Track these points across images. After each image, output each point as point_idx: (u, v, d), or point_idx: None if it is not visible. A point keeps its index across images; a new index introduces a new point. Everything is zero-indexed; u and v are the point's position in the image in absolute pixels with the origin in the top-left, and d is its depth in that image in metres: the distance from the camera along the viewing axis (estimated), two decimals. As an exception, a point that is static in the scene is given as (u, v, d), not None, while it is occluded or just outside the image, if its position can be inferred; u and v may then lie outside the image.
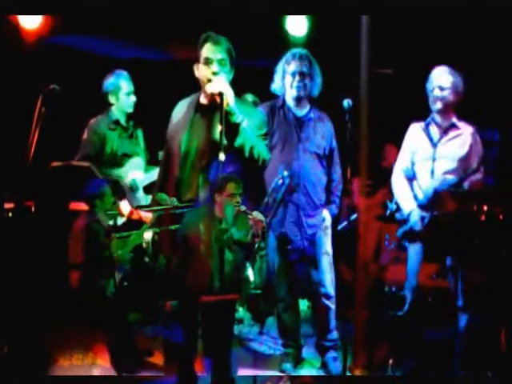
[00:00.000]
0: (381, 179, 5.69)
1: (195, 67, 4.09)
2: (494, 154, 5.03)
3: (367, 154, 4.52)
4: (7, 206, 4.85)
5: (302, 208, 4.86)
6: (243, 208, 3.87)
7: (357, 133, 4.44)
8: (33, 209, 5.09)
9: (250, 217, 3.92)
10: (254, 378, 4.46)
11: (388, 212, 5.56)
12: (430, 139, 4.79)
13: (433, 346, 4.75)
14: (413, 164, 4.85)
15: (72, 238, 5.00)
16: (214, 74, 3.96)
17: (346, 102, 4.55)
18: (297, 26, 5.72)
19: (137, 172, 5.36)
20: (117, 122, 5.36)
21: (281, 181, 4.57)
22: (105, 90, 5.37)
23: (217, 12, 4.99)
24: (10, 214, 4.88)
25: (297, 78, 4.84)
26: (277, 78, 4.95)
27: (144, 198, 5.36)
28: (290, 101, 4.95)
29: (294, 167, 4.81)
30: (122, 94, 5.35)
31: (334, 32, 5.63)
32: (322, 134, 4.94)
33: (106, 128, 5.32)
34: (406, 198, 4.80)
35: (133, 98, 5.40)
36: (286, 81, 4.90)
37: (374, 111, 4.54)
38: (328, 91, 4.95)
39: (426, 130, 4.82)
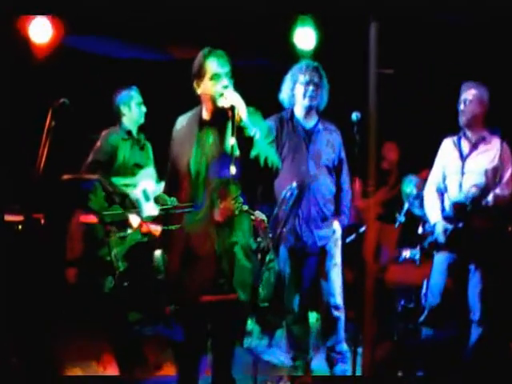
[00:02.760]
0: (381, 179, 5.71)
1: (195, 84, 3.97)
2: None
3: (375, 162, 4.51)
4: (17, 218, 4.88)
5: (312, 219, 4.87)
6: (245, 207, 3.86)
7: (365, 138, 4.43)
8: (42, 221, 5.12)
9: (253, 217, 3.92)
10: (255, 378, 4.44)
11: (397, 224, 5.60)
12: (460, 153, 4.86)
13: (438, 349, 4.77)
14: (444, 178, 4.93)
15: (72, 236, 5.05)
16: (224, 87, 3.91)
17: (355, 115, 4.57)
18: (305, 39, 5.75)
19: (148, 182, 5.38)
20: (129, 133, 5.40)
21: (289, 192, 4.58)
22: (117, 103, 5.40)
23: (219, 12, 5.00)
24: (20, 227, 4.90)
25: (310, 87, 4.86)
26: (286, 88, 4.96)
27: (155, 208, 5.37)
28: (298, 112, 4.96)
29: (304, 179, 4.82)
30: (133, 104, 5.38)
31: (342, 44, 5.65)
32: (331, 145, 4.96)
33: (119, 138, 5.36)
34: (433, 210, 4.90)
35: (143, 109, 5.44)
36: (296, 91, 4.91)
37: (382, 122, 4.55)
38: (337, 104, 4.96)
39: (458, 144, 4.89)
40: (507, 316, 4.81)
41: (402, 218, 5.60)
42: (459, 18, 5.22)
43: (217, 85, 3.88)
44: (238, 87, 3.91)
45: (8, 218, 4.88)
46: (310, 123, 4.97)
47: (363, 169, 4.58)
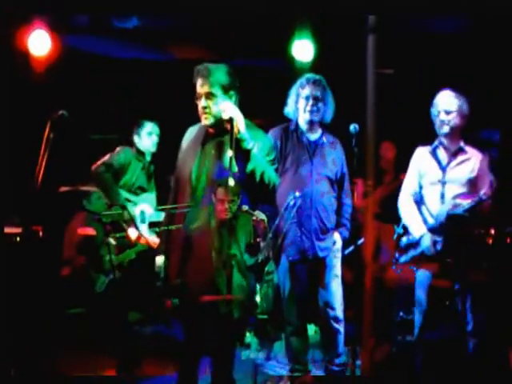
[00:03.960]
0: (379, 179, 5.69)
1: None
2: (494, 154, 5.02)
3: (373, 163, 4.51)
4: (15, 230, 4.89)
5: (313, 231, 4.86)
6: (245, 208, 3.88)
7: (364, 140, 4.42)
8: (40, 233, 5.15)
9: (254, 218, 3.93)
10: (255, 378, 4.42)
11: (395, 236, 5.58)
12: (439, 163, 4.78)
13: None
14: (421, 188, 4.84)
15: (70, 234, 5.10)
16: (203, 108, 3.96)
17: (353, 127, 4.57)
18: (303, 51, 5.76)
19: (147, 206, 5.53)
20: (143, 156, 5.58)
21: (292, 201, 4.53)
22: (132, 132, 5.64)
23: (219, 12, 5.01)
24: (18, 239, 4.92)
25: (310, 101, 4.85)
26: (290, 101, 4.96)
27: (147, 231, 5.51)
28: (302, 125, 4.95)
29: (307, 190, 4.80)
30: (144, 132, 5.60)
31: (340, 56, 5.66)
32: (334, 158, 4.95)
33: (134, 156, 5.58)
34: (416, 222, 4.77)
35: (155, 139, 5.62)
36: (299, 105, 4.91)
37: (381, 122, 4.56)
38: (335, 116, 4.97)
39: (434, 153, 4.80)
40: (506, 325, 4.78)
41: (400, 230, 5.58)
42: (458, 20, 5.21)
43: (199, 105, 3.95)
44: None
45: (7, 230, 4.89)
46: (314, 136, 4.97)
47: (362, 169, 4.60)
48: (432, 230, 4.69)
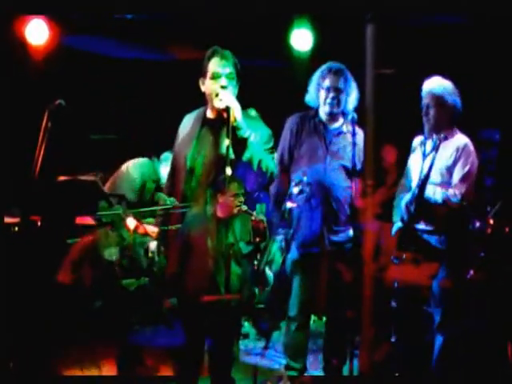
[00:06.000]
0: (380, 179, 5.68)
1: (200, 82, 4.09)
2: (494, 154, 4.99)
3: (372, 162, 4.50)
4: (13, 220, 4.90)
5: (324, 222, 4.66)
6: (245, 208, 3.88)
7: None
8: (39, 223, 5.15)
9: (253, 218, 3.93)
10: (254, 378, 4.39)
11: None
12: (423, 153, 4.66)
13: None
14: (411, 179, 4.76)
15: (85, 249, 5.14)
16: (222, 87, 3.97)
17: (351, 116, 4.55)
18: (301, 40, 5.77)
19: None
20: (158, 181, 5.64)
21: (296, 188, 4.36)
22: (161, 157, 5.74)
23: (219, 12, 5.04)
24: (16, 229, 4.92)
25: (331, 94, 4.69)
26: (311, 90, 4.81)
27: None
28: (323, 115, 4.79)
29: (318, 178, 4.64)
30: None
31: (339, 44, 5.67)
32: (354, 149, 4.56)
33: (148, 174, 5.65)
34: (394, 213, 4.77)
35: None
36: (320, 95, 4.75)
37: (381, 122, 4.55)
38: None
39: (424, 144, 4.68)
40: (505, 317, 4.76)
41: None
42: (459, 19, 5.22)
43: (215, 84, 3.96)
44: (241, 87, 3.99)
45: (5, 219, 4.90)
46: (335, 125, 4.80)
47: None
48: (403, 221, 4.65)
